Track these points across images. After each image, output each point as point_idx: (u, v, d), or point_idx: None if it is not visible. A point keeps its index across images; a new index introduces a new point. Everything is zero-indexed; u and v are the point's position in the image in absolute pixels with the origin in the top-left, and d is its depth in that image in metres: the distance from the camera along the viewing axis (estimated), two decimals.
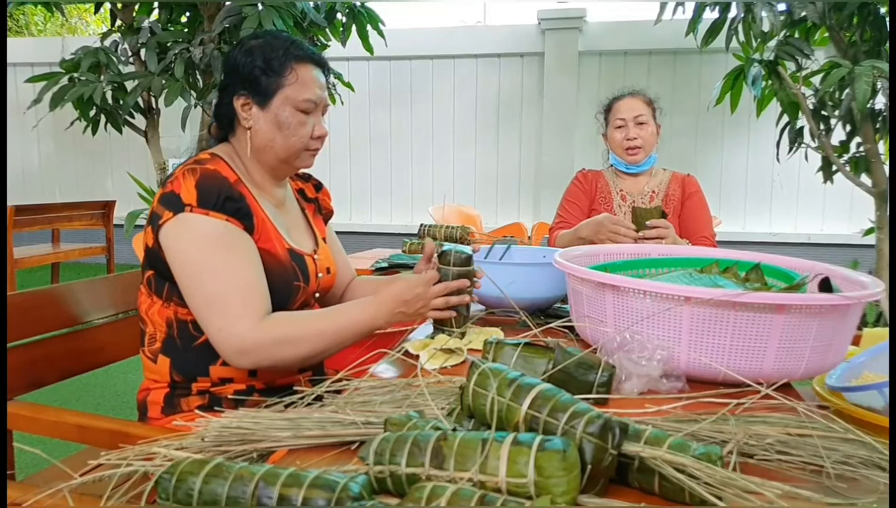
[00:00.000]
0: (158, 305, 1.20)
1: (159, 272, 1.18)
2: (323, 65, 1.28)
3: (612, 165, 2.18)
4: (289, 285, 1.22)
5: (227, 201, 1.13)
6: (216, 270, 1.10)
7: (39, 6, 4.29)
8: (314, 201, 1.45)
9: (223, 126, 1.28)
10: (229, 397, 1.20)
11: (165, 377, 1.21)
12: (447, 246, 1.23)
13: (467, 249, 1.23)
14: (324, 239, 1.42)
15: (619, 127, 2.09)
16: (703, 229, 2.07)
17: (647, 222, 1.80)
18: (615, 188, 2.14)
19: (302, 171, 1.40)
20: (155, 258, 1.17)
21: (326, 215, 1.47)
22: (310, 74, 1.24)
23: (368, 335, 1.19)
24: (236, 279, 1.11)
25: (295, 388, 1.23)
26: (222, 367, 1.19)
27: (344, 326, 1.15)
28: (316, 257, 1.32)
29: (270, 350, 1.10)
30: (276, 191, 1.31)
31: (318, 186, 1.48)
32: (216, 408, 1.15)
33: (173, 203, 1.12)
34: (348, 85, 4.37)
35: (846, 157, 3.48)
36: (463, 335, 1.23)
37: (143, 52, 3.71)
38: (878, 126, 3.23)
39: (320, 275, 1.31)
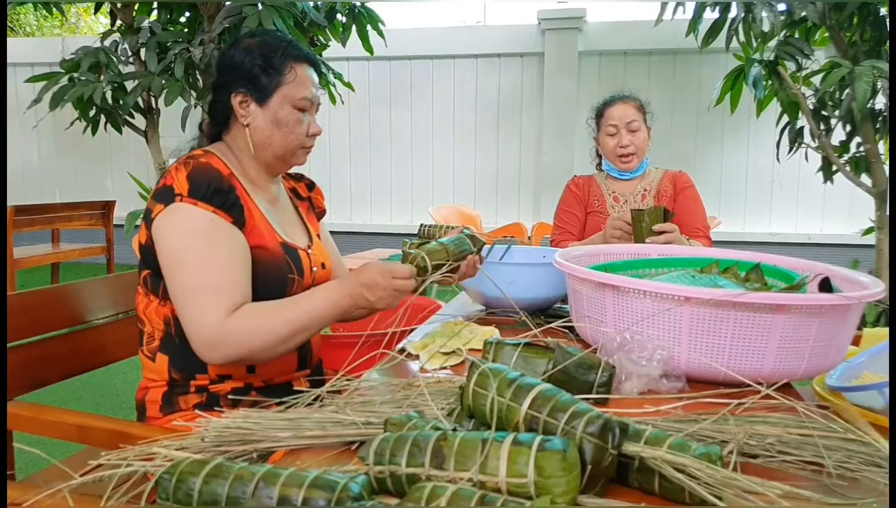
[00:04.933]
0: (156, 303, 1.21)
1: (155, 271, 1.19)
2: (317, 64, 1.32)
3: (604, 171, 2.17)
4: (283, 277, 1.23)
5: (216, 193, 1.14)
6: (197, 260, 1.11)
7: (33, 6, 4.29)
8: (307, 200, 1.47)
9: (217, 123, 1.30)
10: (228, 396, 1.20)
11: (164, 375, 1.21)
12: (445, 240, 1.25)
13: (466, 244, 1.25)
14: (318, 235, 1.43)
15: (612, 134, 2.08)
16: (696, 222, 2.05)
17: (655, 228, 1.77)
18: (607, 191, 2.14)
19: (294, 170, 1.42)
20: (149, 256, 1.18)
21: (319, 213, 1.49)
22: (306, 73, 1.27)
23: (339, 320, 1.20)
24: (214, 272, 1.12)
25: (294, 388, 1.24)
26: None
27: (309, 311, 1.14)
28: (310, 251, 1.33)
29: (237, 343, 1.10)
30: (270, 187, 1.33)
31: (311, 186, 1.50)
32: (215, 407, 1.16)
33: (165, 196, 1.14)
34: (348, 85, 4.37)
35: (846, 157, 3.48)
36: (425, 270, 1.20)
37: (143, 52, 3.70)
38: (878, 126, 3.23)
39: (315, 269, 1.32)
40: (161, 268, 1.15)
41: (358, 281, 1.14)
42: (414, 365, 1.14)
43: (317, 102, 1.30)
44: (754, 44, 3.31)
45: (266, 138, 1.25)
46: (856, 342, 1.13)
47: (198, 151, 1.23)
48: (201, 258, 1.11)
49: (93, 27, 9.41)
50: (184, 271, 1.12)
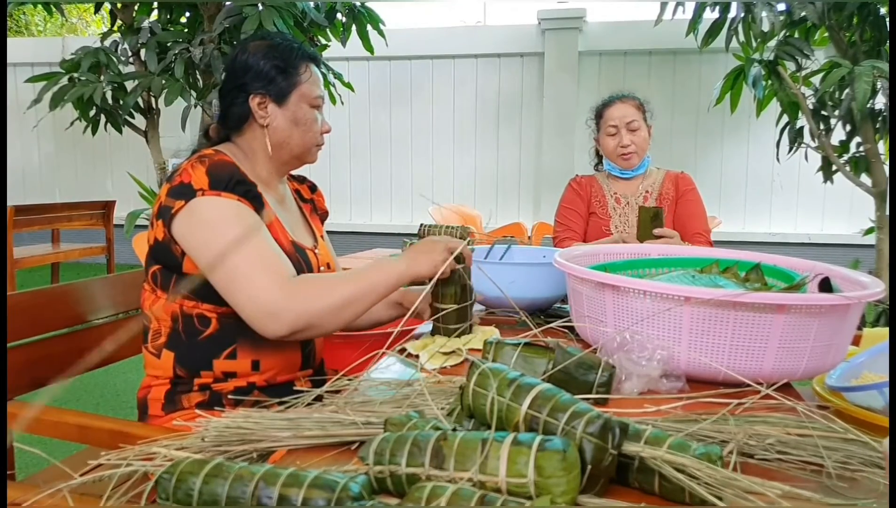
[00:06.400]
0: (163, 300, 1.21)
1: (167, 266, 1.19)
2: (321, 63, 1.36)
3: (606, 171, 2.17)
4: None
5: (237, 183, 1.16)
6: (236, 244, 1.12)
7: (39, 6, 4.28)
8: (310, 202, 1.49)
9: (230, 126, 1.30)
10: (229, 396, 1.20)
11: (168, 372, 1.21)
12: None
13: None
14: (322, 236, 1.45)
15: (612, 135, 2.08)
16: (698, 226, 2.06)
17: (654, 232, 1.82)
18: (609, 192, 2.14)
19: (296, 173, 1.45)
20: (163, 252, 1.18)
21: (322, 215, 1.51)
22: (317, 73, 1.32)
23: (395, 287, 1.17)
24: (256, 250, 1.12)
25: (295, 388, 1.24)
26: (226, 361, 1.20)
27: (368, 276, 1.14)
28: (317, 251, 1.35)
29: (302, 303, 1.10)
30: (278, 188, 1.35)
31: (313, 188, 1.52)
32: (216, 406, 1.16)
33: (184, 192, 1.14)
34: (348, 85, 4.37)
35: (846, 157, 3.48)
36: (461, 334, 1.22)
37: (143, 52, 3.71)
38: (878, 126, 3.23)
39: (322, 269, 1.34)
40: (198, 263, 1.15)
41: (416, 248, 1.18)
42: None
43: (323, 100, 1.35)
44: (754, 44, 3.31)
45: (286, 138, 1.28)
46: (856, 342, 1.13)
47: (208, 150, 1.23)
48: (240, 242, 1.12)
49: (92, 23, 9.40)
50: (226, 259, 1.11)
